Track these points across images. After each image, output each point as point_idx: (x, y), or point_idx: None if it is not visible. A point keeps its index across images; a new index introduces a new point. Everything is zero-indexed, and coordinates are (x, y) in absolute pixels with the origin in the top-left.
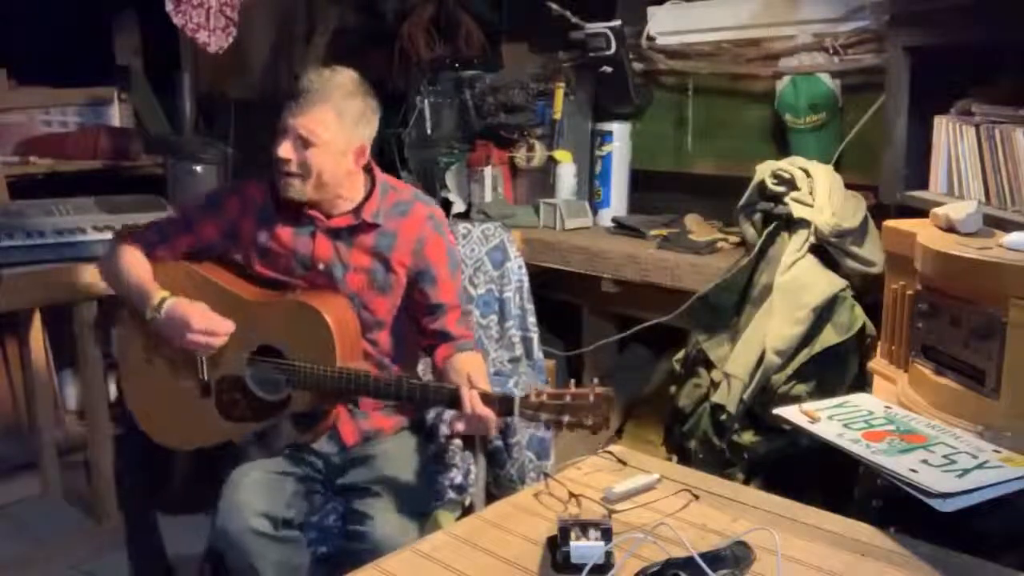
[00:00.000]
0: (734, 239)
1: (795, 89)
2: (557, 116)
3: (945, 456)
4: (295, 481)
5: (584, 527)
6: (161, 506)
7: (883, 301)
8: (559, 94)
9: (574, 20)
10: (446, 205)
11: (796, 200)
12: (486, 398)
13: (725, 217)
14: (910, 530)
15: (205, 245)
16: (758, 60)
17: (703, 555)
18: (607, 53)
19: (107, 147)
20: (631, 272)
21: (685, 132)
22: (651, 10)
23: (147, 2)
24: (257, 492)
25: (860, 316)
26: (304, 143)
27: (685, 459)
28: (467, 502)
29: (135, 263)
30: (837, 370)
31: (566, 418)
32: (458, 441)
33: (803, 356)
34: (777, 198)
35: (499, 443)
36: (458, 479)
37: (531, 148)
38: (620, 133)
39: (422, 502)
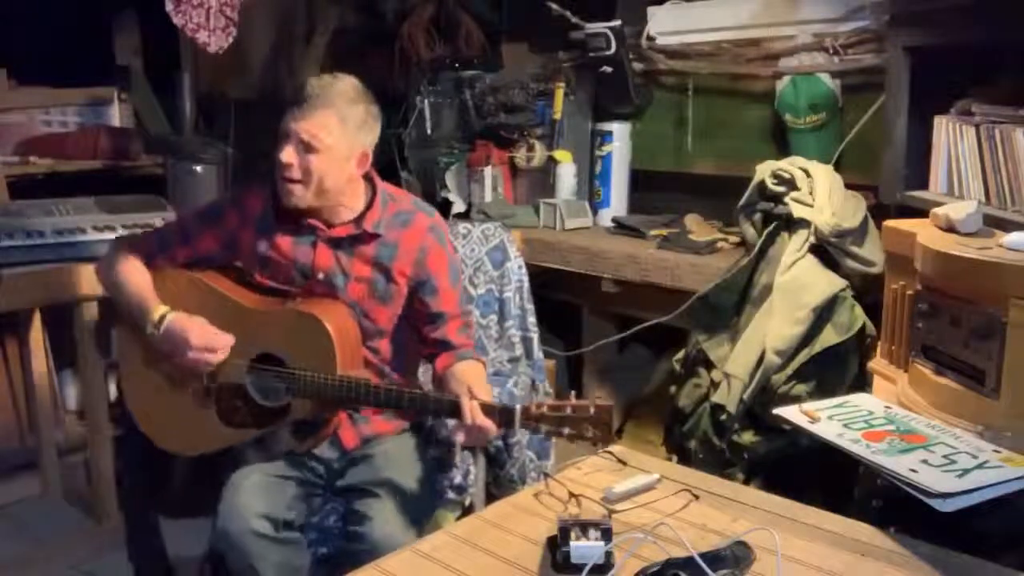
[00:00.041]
0: (734, 239)
1: (795, 89)
2: (557, 116)
3: (945, 456)
4: (295, 484)
5: (584, 527)
6: (161, 507)
7: (883, 301)
8: (559, 94)
9: (574, 20)
10: (446, 205)
11: (796, 200)
12: (487, 409)
13: (725, 217)
14: (910, 530)
15: (204, 257)
16: (758, 60)
17: (703, 555)
18: (607, 53)
19: (107, 147)
20: (631, 272)
21: (685, 132)
22: (651, 10)
23: (147, 2)
24: (257, 494)
25: (860, 316)
26: (306, 148)
27: (685, 459)
28: (467, 502)
29: (135, 274)
30: (837, 370)
31: (566, 430)
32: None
33: (803, 356)
34: (777, 198)
35: (499, 443)
36: (458, 479)
37: (531, 148)
38: (620, 133)
39: (422, 503)
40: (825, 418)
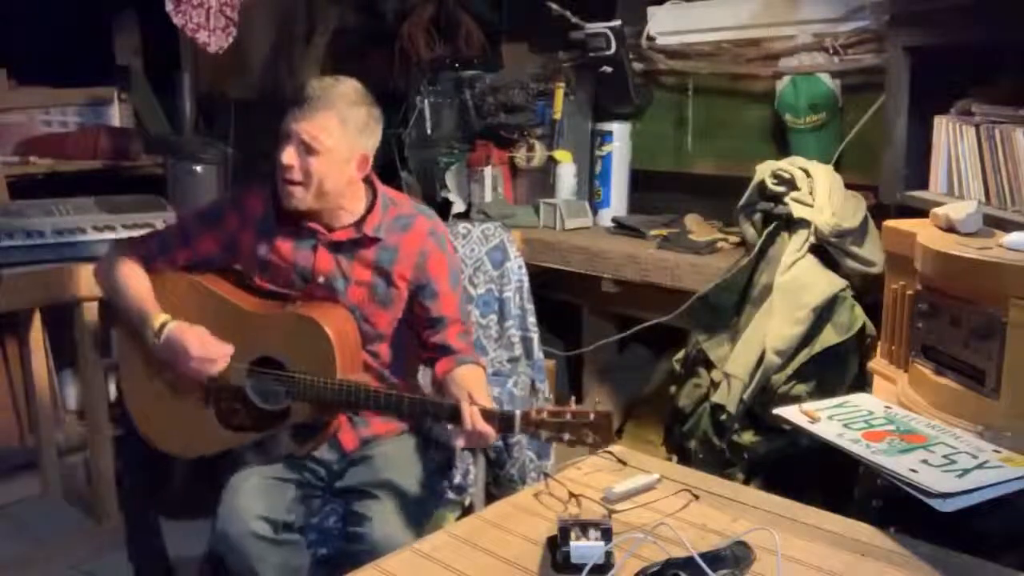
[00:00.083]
0: (734, 239)
1: (795, 89)
2: (557, 116)
3: (945, 456)
4: (295, 486)
5: (584, 527)
6: (162, 508)
7: (883, 301)
8: (559, 94)
9: (574, 20)
10: (446, 205)
11: (796, 200)
12: (486, 414)
13: (725, 217)
14: (910, 530)
15: (204, 259)
16: (758, 60)
17: (703, 555)
18: (607, 53)
19: (107, 147)
20: (631, 272)
21: (685, 132)
22: (651, 10)
23: (147, 2)
24: (257, 496)
25: (860, 316)
26: (307, 149)
27: (685, 459)
28: (467, 502)
29: (134, 279)
30: (837, 370)
31: (566, 436)
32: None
33: (803, 356)
34: (777, 198)
35: (499, 443)
36: (458, 479)
37: (531, 148)
38: (620, 133)
39: (422, 503)
40: (825, 418)
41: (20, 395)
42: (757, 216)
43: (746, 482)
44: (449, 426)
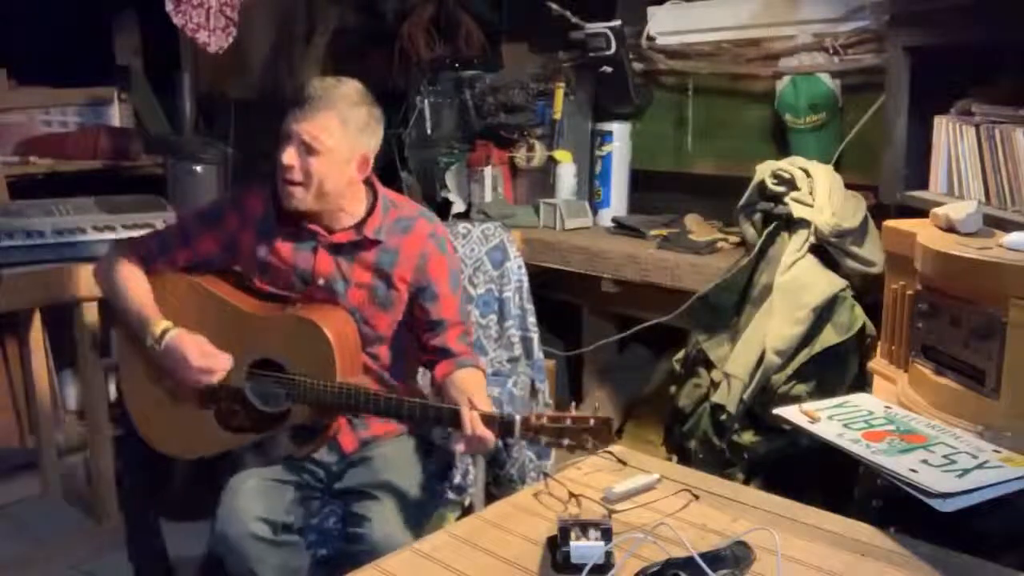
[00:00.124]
0: (734, 239)
1: (795, 89)
2: (557, 116)
3: (945, 456)
4: (294, 488)
5: (584, 527)
6: (162, 508)
7: (883, 301)
8: (559, 94)
9: (574, 20)
10: (446, 205)
11: (796, 200)
12: (486, 419)
13: (725, 217)
14: (910, 530)
15: (204, 259)
16: (758, 60)
17: (703, 555)
18: (607, 53)
19: (107, 147)
20: (631, 272)
21: (685, 132)
22: (651, 10)
23: (147, 2)
24: (256, 498)
25: (860, 316)
26: (308, 149)
27: (685, 459)
28: (467, 502)
29: (133, 281)
30: (837, 370)
31: (566, 441)
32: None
33: (803, 356)
34: (777, 198)
35: (499, 443)
36: (458, 479)
37: (531, 148)
38: (620, 133)
39: (421, 504)
40: (825, 418)
41: (20, 395)
42: (757, 216)
43: (746, 482)
44: (449, 430)
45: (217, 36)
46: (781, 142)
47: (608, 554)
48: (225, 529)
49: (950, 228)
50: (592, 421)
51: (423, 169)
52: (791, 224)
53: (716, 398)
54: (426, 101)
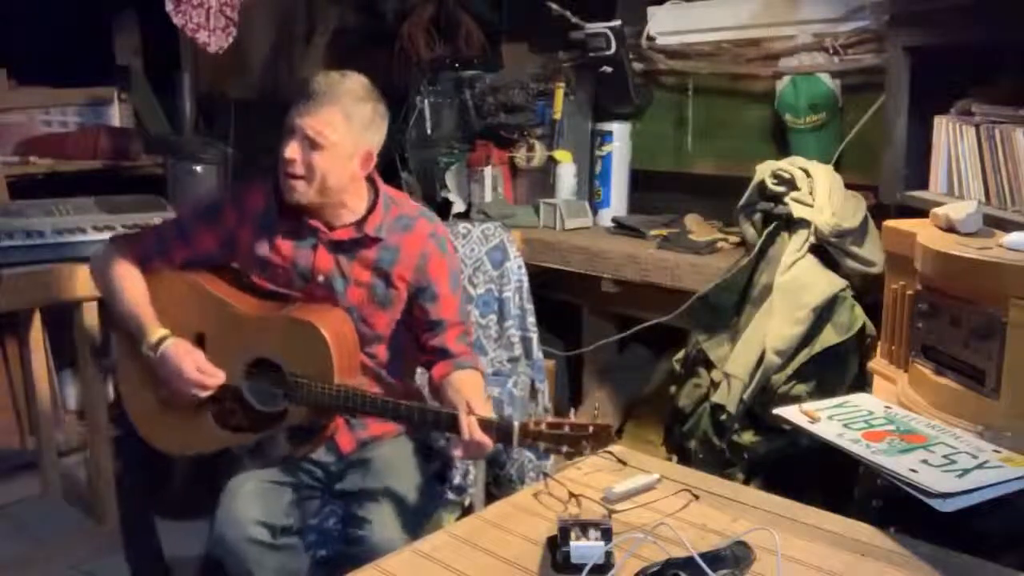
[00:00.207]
0: (734, 239)
1: (795, 89)
2: (557, 116)
3: (945, 456)
4: (292, 489)
5: (584, 527)
6: (160, 508)
7: (883, 301)
8: (559, 94)
9: (574, 20)
10: (446, 205)
11: (796, 200)
12: (484, 424)
13: (725, 217)
14: (910, 530)
15: (203, 255)
16: (758, 60)
17: (703, 555)
18: (607, 53)
19: (107, 147)
20: (631, 272)
21: (685, 132)
22: (651, 10)
23: (147, 2)
24: (255, 501)
25: (860, 316)
26: (311, 144)
27: (685, 459)
28: (467, 502)
29: (130, 282)
30: (837, 370)
31: (564, 448)
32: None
33: (803, 356)
34: (777, 198)
35: (499, 444)
36: (457, 480)
37: (531, 148)
38: (620, 133)
39: (421, 505)
40: (825, 418)
41: (20, 395)
42: (757, 216)
43: (746, 482)
44: (447, 435)
45: (217, 36)
46: (781, 142)
47: (608, 554)
48: (223, 532)
49: (950, 228)
50: (591, 428)
51: (423, 169)
52: (791, 224)
53: (716, 398)
54: (426, 101)
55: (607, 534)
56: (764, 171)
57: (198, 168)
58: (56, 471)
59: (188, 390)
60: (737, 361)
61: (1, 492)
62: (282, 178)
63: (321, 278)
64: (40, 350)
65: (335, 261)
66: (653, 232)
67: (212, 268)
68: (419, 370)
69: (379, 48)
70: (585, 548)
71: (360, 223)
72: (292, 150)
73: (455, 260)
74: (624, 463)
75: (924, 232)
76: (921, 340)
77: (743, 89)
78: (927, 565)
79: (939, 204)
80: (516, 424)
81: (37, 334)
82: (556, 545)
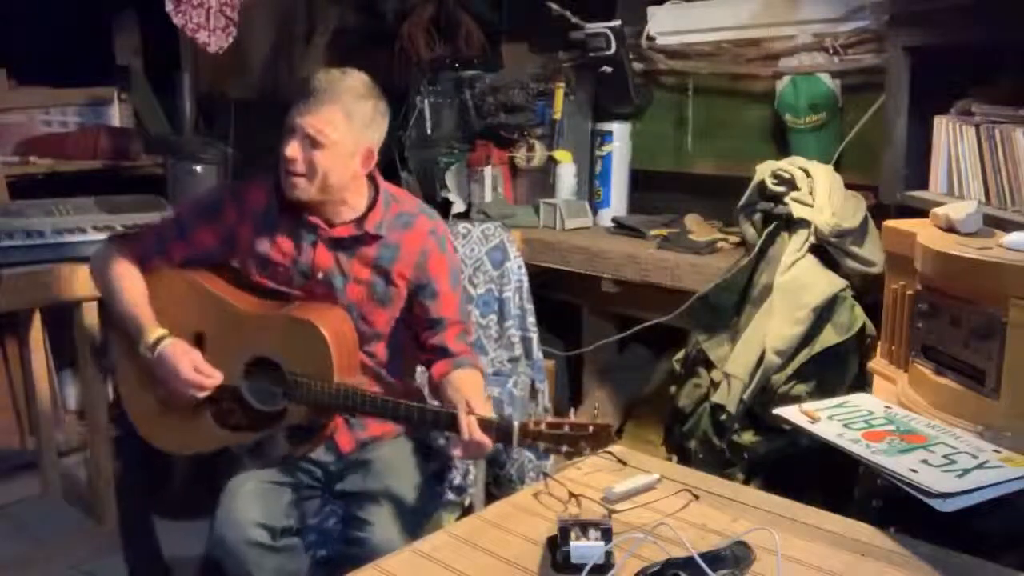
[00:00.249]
0: (734, 239)
1: (795, 89)
2: (557, 116)
3: (945, 456)
4: (291, 490)
5: (584, 527)
6: (160, 508)
7: (883, 301)
8: (559, 94)
9: (574, 20)
10: (446, 205)
11: (796, 200)
12: (484, 424)
13: (725, 217)
14: (910, 530)
15: (202, 253)
16: (758, 60)
17: (703, 555)
18: (607, 53)
19: (107, 147)
20: (631, 272)
21: (685, 132)
22: (651, 10)
23: (147, 2)
24: (254, 503)
25: (860, 316)
26: (312, 143)
27: (685, 459)
28: (467, 502)
29: (130, 282)
30: (837, 370)
31: (564, 448)
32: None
33: (803, 356)
34: (777, 198)
35: (499, 444)
36: (457, 480)
37: (531, 148)
38: (620, 133)
39: (422, 506)
40: (825, 418)
41: (20, 395)
42: (757, 216)
43: (746, 482)
44: (446, 434)
45: (217, 36)
46: (781, 142)
47: (608, 554)
48: (223, 534)
49: (950, 228)
50: (591, 428)
51: (423, 169)
52: (791, 224)
53: (716, 398)
54: (426, 101)
55: (607, 534)
56: (764, 171)
57: (198, 168)
58: (56, 471)
59: (185, 390)
60: (737, 361)
61: (1, 492)
62: (283, 176)
63: (320, 275)
64: (40, 350)
65: (335, 258)
66: (653, 232)
67: (211, 267)
68: (419, 369)
69: (379, 48)
70: (585, 548)
71: (360, 220)
72: (293, 149)
73: (455, 258)
74: (624, 463)
75: (924, 232)
76: (921, 340)
77: (743, 89)
78: (927, 565)
79: (939, 204)
80: (516, 424)
81: (37, 334)
82: (556, 545)
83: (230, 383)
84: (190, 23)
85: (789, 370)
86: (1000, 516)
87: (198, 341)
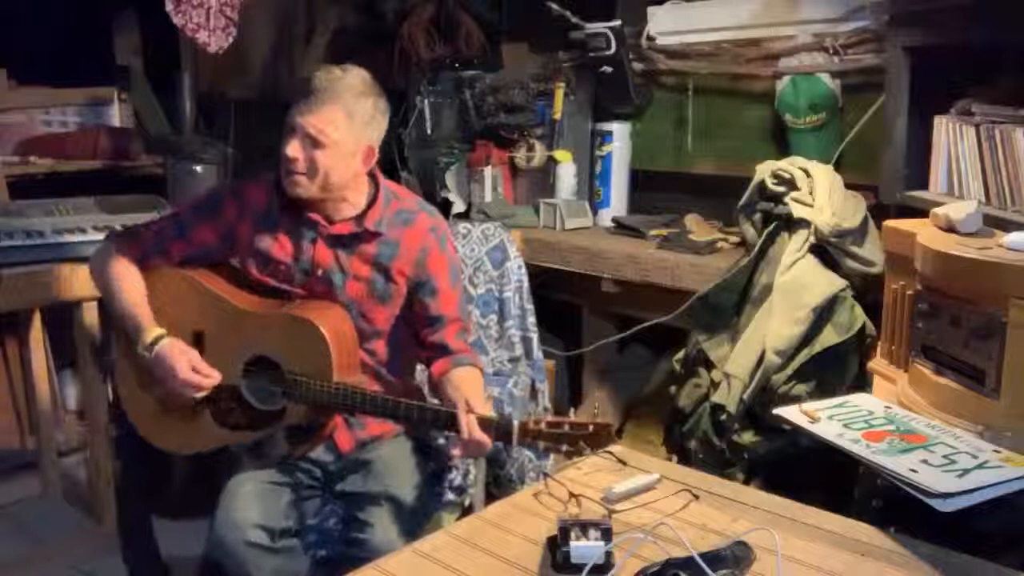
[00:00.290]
0: (734, 239)
1: (795, 89)
2: (557, 116)
3: (945, 456)
4: (290, 490)
5: (584, 527)
6: (159, 508)
7: (883, 301)
8: (559, 94)
9: (574, 20)
10: (446, 205)
11: (796, 200)
12: (483, 423)
13: (725, 217)
14: (910, 530)
15: (202, 251)
16: (758, 60)
17: (703, 555)
18: (607, 53)
19: (107, 147)
20: (631, 272)
21: (685, 132)
22: (651, 10)
23: (147, 2)
24: (253, 504)
25: (860, 316)
26: (313, 143)
27: (685, 459)
28: (467, 502)
29: (129, 281)
30: (837, 370)
31: (564, 447)
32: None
33: (803, 356)
34: (777, 198)
35: (498, 443)
36: (457, 480)
37: (531, 148)
38: (620, 133)
39: (422, 507)
40: (825, 418)
41: (20, 395)
42: (757, 216)
43: (746, 482)
44: (446, 433)
45: (217, 36)
46: (781, 142)
47: (608, 554)
48: (222, 536)
49: (950, 228)
50: (591, 427)
51: (423, 169)
52: (791, 224)
53: (716, 398)
54: (426, 101)
55: (607, 534)
56: (764, 171)
57: (198, 168)
58: (56, 471)
59: (183, 391)
60: (737, 361)
61: (1, 492)
62: (284, 175)
63: (320, 272)
64: (40, 350)
65: (334, 256)
66: (653, 232)
67: (211, 265)
68: (419, 368)
69: (379, 48)
70: (585, 548)
71: (360, 217)
72: (294, 149)
73: (455, 255)
74: (624, 463)
75: (924, 232)
76: (921, 340)
77: (743, 89)
78: (927, 565)
79: (939, 204)
80: (515, 423)
81: (37, 334)
82: (556, 545)
83: (229, 382)
84: (190, 23)
85: (789, 370)
86: (1000, 516)
87: (197, 340)
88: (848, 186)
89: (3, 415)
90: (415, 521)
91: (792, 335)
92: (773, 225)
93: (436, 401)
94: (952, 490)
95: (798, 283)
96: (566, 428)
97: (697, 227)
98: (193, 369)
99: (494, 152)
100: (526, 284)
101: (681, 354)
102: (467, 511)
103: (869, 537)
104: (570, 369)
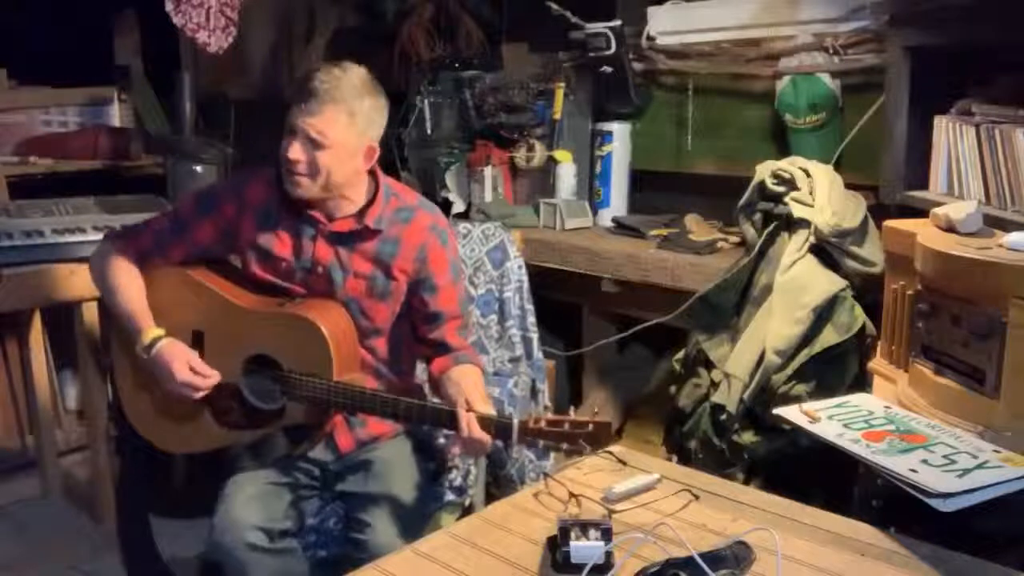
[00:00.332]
0: (734, 239)
1: (795, 89)
2: (557, 116)
3: (945, 456)
4: (290, 490)
5: (584, 527)
6: (159, 507)
7: (883, 301)
8: (559, 94)
9: (574, 20)
10: (446, 205)
11: (796, 200)
12: (483, 422)
13: (725, 217)
14: (910, 530)
15: (201, 248)
16: (758, 60)
17: (703, 555)
18: (607, 53)
19: (107, 147)
20: (631, 272)
21: (685, 132)
22: (651, 10)
23: (147, 2)
24: (252, 505)
25: (860, 316)
26: (314, 144)
27: (685, 459)
28: (467, 502)
29: (128, 281)
30: (837, 370)
31: (564, 445)
32: None
33: (803, 356)
34: (777, 198)
35: (498, 442)
36: (457, 480)
37: (531, 148)
38: (620, 133)
39: (422, 507)
40: (825, 418)
41: (20, 395)
42: (757, 216)
43: (746, 482)
44: (446, 433)
45: (217, 36)
46: (781, 142)
47: (608, 554)
48: (221, 537)
49: (950, 228)
50: (591, 426)
51: (423, 169)
52: (791, 224)
53: (716, 398)
54: (426, 101)
55: (607, 534)
56: (764, 171)
57: (198, 168)
58: (56, 471)
59: (181, 391)
60: (737, 361)
61: (1, 492)
62: (285, 175)
63: (320, 269)
64: (40, 350)
65: (334, 253)
66: (653, 232)
67: (210, 263)
68: (420, 366)
69: (379, 48)
70: (585, 548)
71: (360, 215)
72: (295, 151)
73: (455, 252)
74: (624, 463)
75: (924, 232)
76: (921, 340)
77: (743, 89)
78: (927, 565)
79: (939, 204)
80: (516, 422)
81: (37, 334)
82: (556, 545)
83: (229, 380)
84: (190, 23)
85: (789, 370)
86: (1000, 516)
87: (197, 338)
88: (848, 186)
89: (3, 415)
90: (415, 521)
91: (792, 335)
92: (773, 225)
93: (436, 399)
94: (952, 490)
95: (798, 283)
96: (566, 426)
97: (697, 227)
98: (191, 369)
99: (494, 152)
100: (526, 284)
101: (681, 354)
102: (467, 511)
103: (869, 537)
104: (570, 369)
